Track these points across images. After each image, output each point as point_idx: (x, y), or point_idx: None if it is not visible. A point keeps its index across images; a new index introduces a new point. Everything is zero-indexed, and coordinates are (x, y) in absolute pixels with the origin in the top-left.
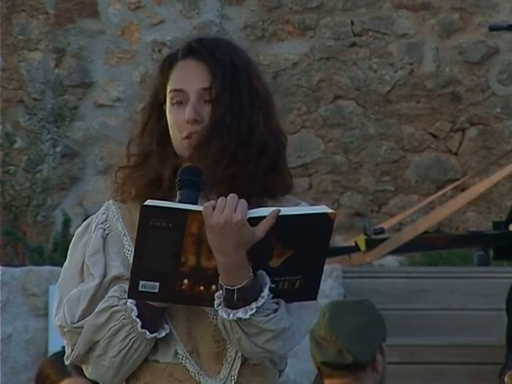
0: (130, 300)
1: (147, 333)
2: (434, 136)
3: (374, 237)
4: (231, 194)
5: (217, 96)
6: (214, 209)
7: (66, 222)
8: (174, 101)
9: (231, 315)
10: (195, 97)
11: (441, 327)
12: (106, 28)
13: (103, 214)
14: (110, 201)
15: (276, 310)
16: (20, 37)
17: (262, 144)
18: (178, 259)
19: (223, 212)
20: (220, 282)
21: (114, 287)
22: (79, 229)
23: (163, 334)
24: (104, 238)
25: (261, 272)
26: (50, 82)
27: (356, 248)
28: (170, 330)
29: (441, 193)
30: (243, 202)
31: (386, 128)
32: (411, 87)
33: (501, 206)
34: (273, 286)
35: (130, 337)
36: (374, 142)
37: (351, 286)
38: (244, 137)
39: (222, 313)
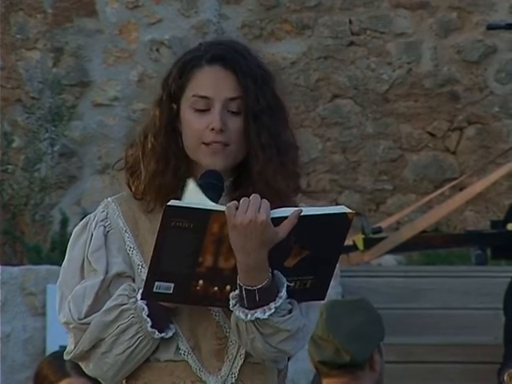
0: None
1: (156, 332)
2: (432, 135)
3: (371, 236)
4: (254, 194)
5: (245, 108)
6: (237, 209)
7: (64, 221)
8: (196, 107)
9: (249, 316)
10: (221, 105)
11: (438, 326)
12: (104, 27)
13: (102, 211)
14: (109, 199)
15: (291, 311)
16: (18, 36)
17: (285, 154)
18: (196, 260)
19: (247, 212)
20: (239, 282)
21: (123, 286)
22: (77, 227)
23: (170, 334)
24: (105, 235)
25: (277, 272)
26: (48, 81)
27: (354, 247)
28: (174, 327)
29: (439, 192)
30: (266, 202)
31: (383, 127)
32: (409, 86)
33: (499, 205)
34: (291, 285)
35: (138, 336)
36: (372, 141)
37: (349, 285)
38: (271, 150)
39: (239, 313)
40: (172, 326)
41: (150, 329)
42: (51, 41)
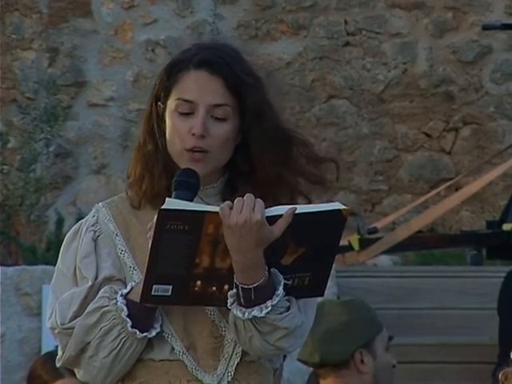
0: (120, 300)
1: (137, 332)
2: (428, 135)
3: (367, 236)
4: (248, 194)
5: (228, 116)
6: (231, 209)
7: (60, 222)
8: (180, 110)
9: (246, 314)
10: (204, 111)
11: (434, 326)
12: (100, 27)
13: (93, 216)
14: (100, 204)
15: (288, 308)
16: (13, 36)
17: (287, 156)
18: (193, 261)
19: (242, 212)
20: (235, 281)
21: (104, 288)
22: (69, 233)
23: (153, 333)
24: (95, 241)
25: (274, 270)
26: (44, 81)
27: (349, 247)
28: (166, 326)
29: (434, 192)
30: (260, 201)
31: (379, 127)
32: (404, 86)
33: (494, 205)
34: (288, 283)
35: (121, 337)
36: (368, 141)
37: (345, 286)
38: (249, 159)
39: (237, 312)
40: (157, 325)
41: (130, 329)
42: (47, 41)
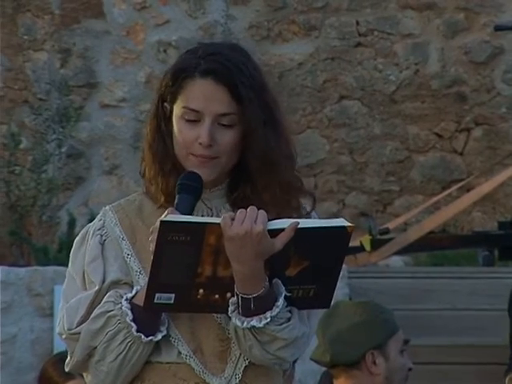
0: (125, 304)
1: (143, 336)
2: (439, 136)
3: (379, 237)
4: (251, 206)
5: (234, 123)
6: (232, 220)
7: (71, 222)
8: (186, 117)
9: (245, 323)
10: (211, 120)
11: (445, 327)
12: (112, 28)
13: (99, 220)
14: (107, 207)
15: (289, 319)
16: (25, 37)
17: (276, 166)
18: (195, 270)
19: (243, 223)
20: (236, 290)
21: (110, 292)
22: (77, 238)
23: (159, 336)
24: (101, 244)
25: (276, 281)
26: (56, 82)
27: (361, 248)
28: (173, 331)
29: (446, 193)
30: (263, 213)
31: (391, 128)
32: (416, 87)
33: (506, 206)
34: (288, 294)
35: (127, 341)
36: (379, 142)
37: (356, 287)
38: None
39: (236, 320)
40: (163, 328)
41: (135, 333)
42: (59, 42)
